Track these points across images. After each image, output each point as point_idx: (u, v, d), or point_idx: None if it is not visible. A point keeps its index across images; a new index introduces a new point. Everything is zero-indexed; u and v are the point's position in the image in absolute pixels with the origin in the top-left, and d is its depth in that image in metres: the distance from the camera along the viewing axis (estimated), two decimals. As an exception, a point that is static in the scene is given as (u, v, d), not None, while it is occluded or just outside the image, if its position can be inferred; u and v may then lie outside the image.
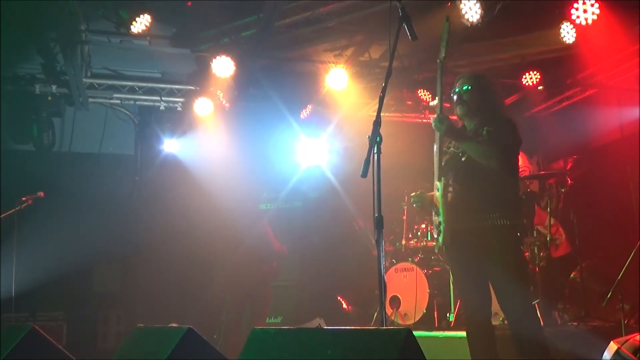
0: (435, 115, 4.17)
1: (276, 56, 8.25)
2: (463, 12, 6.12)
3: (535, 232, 6.71)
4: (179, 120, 9.27)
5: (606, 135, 8.58)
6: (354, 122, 9.16)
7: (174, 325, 6.22)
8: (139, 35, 7.03)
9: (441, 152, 4.28)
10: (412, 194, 4.49)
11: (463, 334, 5.41)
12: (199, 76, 8.70)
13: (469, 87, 4.30)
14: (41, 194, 7.21)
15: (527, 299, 4.22)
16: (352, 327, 2.84)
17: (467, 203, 4.14)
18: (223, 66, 7.56)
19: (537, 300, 6.28)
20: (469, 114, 4.33)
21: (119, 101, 8.86)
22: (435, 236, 4.36)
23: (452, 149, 4.34)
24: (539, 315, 6.10)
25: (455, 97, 4.38)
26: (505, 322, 6.03)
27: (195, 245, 9.41)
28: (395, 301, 7.03)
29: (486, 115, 4.29)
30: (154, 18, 6.93)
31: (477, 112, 4.32)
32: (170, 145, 9.33)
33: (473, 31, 6.46)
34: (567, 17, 6.52)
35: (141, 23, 6.81)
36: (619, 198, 7.74)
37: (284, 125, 8.93)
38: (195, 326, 3.47)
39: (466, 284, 4.27)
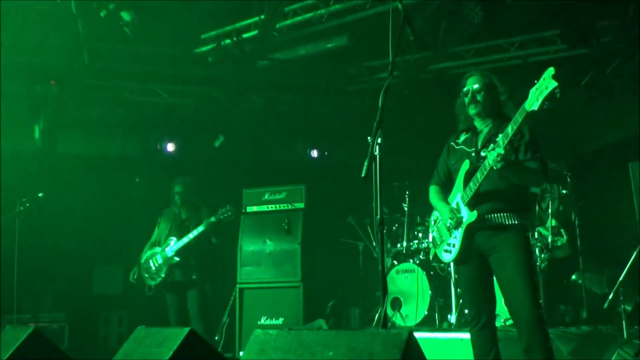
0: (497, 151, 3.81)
1: (277, 58, 8.27)
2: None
3: (536, 233, 6.70)
4: (179, 121, 9.29)
5: (609, 135, 8.59)
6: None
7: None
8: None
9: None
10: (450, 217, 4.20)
11: (464, 335, 5.42)
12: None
13: (482, 86, 4.19)
14: (41, 195, 7.21)
15: (538, 298, 4.04)
16: (354, 329, 2.84)
17: (485, 204, 4.06)
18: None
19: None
20: (482, 114, 4.21)
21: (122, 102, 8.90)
22: (445, 252, 4.27)
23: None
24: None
25: (465, 96, 4.22)
26: (506, 323, 6.05)
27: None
28: (397, 302, 7.03)
29: (500, 117, 4.18)
30: (155, 19, 6.96)
31: (490, 112, 4.21)
32: (171, 146, 9.35)
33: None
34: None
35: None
36: (620, 199, 7.73)
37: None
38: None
39: (474, 284, 4.16)
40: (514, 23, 7.60)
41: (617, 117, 8.48)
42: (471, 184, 4.05)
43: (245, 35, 7.73)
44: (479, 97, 4.18)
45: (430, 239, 4.54)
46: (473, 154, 4.19)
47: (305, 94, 9.39)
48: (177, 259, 6.59)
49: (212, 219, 6.58)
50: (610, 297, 5.47)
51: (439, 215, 4.39)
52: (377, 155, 3.27)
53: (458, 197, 4.18)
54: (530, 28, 7.85)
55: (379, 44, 8.07)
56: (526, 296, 3.84)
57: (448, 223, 4.20)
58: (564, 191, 7.29)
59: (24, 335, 3.96)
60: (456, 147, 4.34)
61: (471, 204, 4.06)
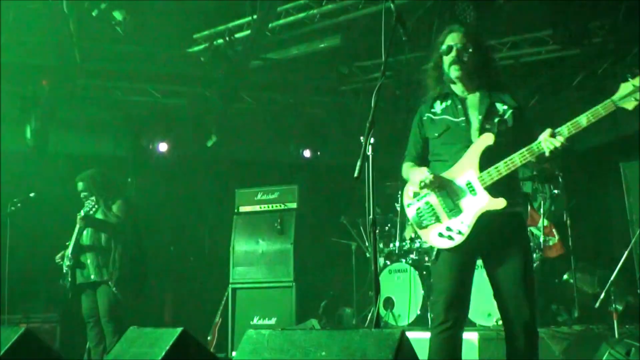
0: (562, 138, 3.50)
1: (269, 57, 8.27)
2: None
3: (528, 233, 6.72)
4: (172, 121, 9.27)
5: (601, 135, 8.62)
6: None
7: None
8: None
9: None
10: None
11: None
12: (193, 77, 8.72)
13: (471, 46, 3.65)
14: (32, 195, 7.17)
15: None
16: (346, 329, 2.84)
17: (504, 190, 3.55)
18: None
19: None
20: (466, 78, 3.70)
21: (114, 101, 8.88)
22: (441, 236, 3.59)
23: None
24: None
25: (448, 54, 3.68)
26: (498, 323, 6.05)
27: (189, 246, 9.40)
28: (389, 302, 7.03)
29: (489, 83, 3.72)
30: (147, 18, 6.94)
31: (477, 77, 3.71)
32: (163, 146, 9.32)
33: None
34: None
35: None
36: (611, 199, 7.77)
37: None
38: (189, 327, 3.47)
39: (457, 280, 3.60)
40: (506, 23, 7.62)
41: (608, 117, 8.50)
42: (502, 165, 3.48)
43: (237, 35, 7.73)
44: (465, 58, 3.65)
45: (410, 216, 3.78)
46: (463, 124, 3.65)
47: (297, 94, 9.39)
48: (72, 260, 6.21)
49: (81, 212, 6.12)
50: (601, 296, 5.48)
51: (433, 190, 3.66)
52: (370, 155, 3.26)
53: (469, 175, 3.56)
54: (522, 28, 7.88)
55: (371, 44, 8.10)
56: (532, 297, 3.50)
57: (453, 204, 3.60)
58: (556, 191, 7.30)
59: (16, 335, 3.94)
60: (434, 118, 3.79)
61: (492, 189, 3.51)
